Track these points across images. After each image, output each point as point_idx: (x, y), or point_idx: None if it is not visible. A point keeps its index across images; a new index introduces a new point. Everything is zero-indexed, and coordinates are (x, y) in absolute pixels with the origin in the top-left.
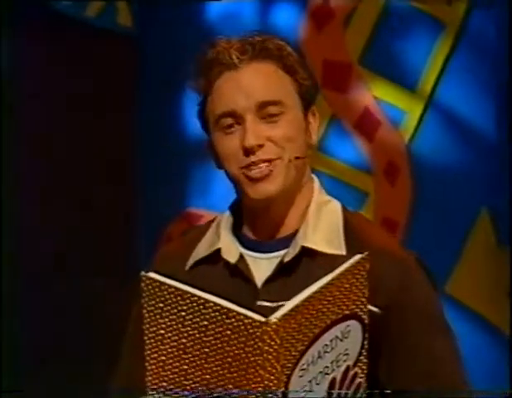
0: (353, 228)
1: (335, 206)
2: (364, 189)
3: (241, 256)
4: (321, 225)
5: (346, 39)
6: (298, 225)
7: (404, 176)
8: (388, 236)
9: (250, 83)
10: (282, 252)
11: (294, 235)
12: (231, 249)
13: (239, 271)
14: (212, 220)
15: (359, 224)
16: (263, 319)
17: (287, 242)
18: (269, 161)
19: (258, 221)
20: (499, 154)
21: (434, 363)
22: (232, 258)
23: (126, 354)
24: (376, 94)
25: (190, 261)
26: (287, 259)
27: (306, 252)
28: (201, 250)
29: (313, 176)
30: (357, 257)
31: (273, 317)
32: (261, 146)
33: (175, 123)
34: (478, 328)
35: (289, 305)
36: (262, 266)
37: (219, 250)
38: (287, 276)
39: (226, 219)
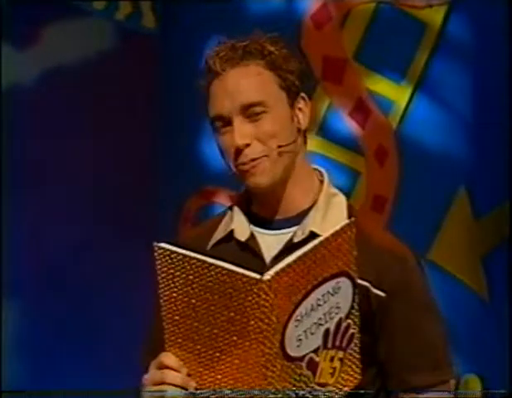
0: (357, 223)
1: (342, 199)
2: (356, 169)
3: (252, 234)
4: (330, 214)
5: (343, 38)
6: (304, 205)
7: (392, 157)
8: (389, 234)
9: (234, 88)
10: (288, 230)
11: (300, 215)
12: (242, 229)
13: (250, 248)
14: (230, 206)
15: (364, 220)
16: (258, 277)
17: (293, 221)
18: (256, 159)
19: (266, 202)
20: (475, 138)
21: (428, 344)
22: (243, 236)
23: (153, 316)
24: (368, 86)
25: (211, 243)
26: (296, 240)
27: (314, 236)
28: (218, 233)
29: (322, 169)
30: (344, 223)
31: (267, 275)
32: (248, 145)
33: (193, 110)
34: (456, 289)
35: (282, 264)
36: (270, 243)
37: (232, 231)
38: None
39: (239, 201)
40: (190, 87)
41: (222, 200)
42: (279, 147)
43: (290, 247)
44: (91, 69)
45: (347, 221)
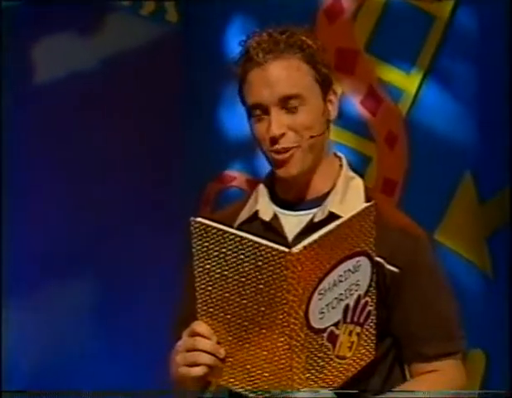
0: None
1: (359, 182)
2: (368, 154)
3: (275, 215)
4: (348, 196)
5: (355, 30)
6: (324, 189)
7: (402, 143)
8: (402, 214)
9: (274, 79)
10: (309, 211)
11: (320, 198)
12: (266, 210)
13: (273, 227)
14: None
15: (379, 201)
16: (286, 250)
17: (314, 203)
18: (290, 149)
19: (289, 186)
20: (480, 126)
21: (440, 317)
22: (267, 217)
23: (184, 288)
24: (379, 76)
25: (237, 222)
26: (316, 220)
27: (333, 216)
28: (244, 213)
29: (341, 155)
30: (364, 206)
31: (295, 248)
32: (283, 134)
33: (215, 100)
34: (462, 267)
35: (309, 239)
36: (292, 223)
37: (257, 212)
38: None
39: (263, 185)
40: (212, 78)
41: (240, 184)
42: (311, 137)
43: (311, 227)
44: (124, 61)
45: (369, 204)
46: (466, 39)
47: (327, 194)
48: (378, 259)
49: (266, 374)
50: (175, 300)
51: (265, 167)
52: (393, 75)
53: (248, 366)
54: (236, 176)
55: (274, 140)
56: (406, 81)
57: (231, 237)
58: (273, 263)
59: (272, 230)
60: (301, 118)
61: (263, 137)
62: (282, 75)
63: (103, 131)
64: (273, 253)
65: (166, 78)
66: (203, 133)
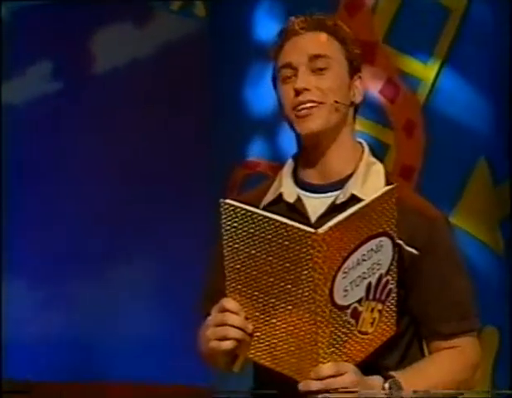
0: None
1: (380, 167)
2: (386, 142)
3: (298, 197)
4: (369, 180)
5: (373, 23)
6: (346, 173)
7: (419, 131)
8: (421, 198)
9: (305, 43)
10: (331, 194)
11: (342, 181)
12: (290, 192)
13: (297, 209)
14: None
15: (399, 185)
16: (312, 230)
17: (336, 186)
18: (313, 102)
19: (312, 168)
20: (495, 113)
21: (456, 296)
22: (291, 198)
23: (212, 267)
24: (398, 66)
25: (262, 204)
26: (338, 202)
27: (354, 199)
28: (269, 196)
29: (363, 142)
30: (386, 188)
31: (321, 229)
32: (308, 90)
33: (240, 91)
34: (476, 248)
35: (334, 221)
36: (315, 205)
37: (281, 194)
38: (336, 215)
39: (287, 168)
40: (238, 68)
41: (264, 170)
42: (336, 102)
43: (333, 208)
44: (159, 55)
45: (391, 186)
46: (481, 30)
47: (349, 177)
48: (397, 240)
49: (292, 348)
50: (203, 278)
51: (287, 153)
52: (412, 66)
53: (275, 341)
54: (261, 162)
55: (298, 93)
56: (424, 71)
57: (259, 218)
58: (300, 243)
59: (296, 211)
60: (327, 81)
61: (289, 95)
62: (313, 40)
63: (138, 118)
64: (300, 233)
65: (194, 70)
66: (230, 118)
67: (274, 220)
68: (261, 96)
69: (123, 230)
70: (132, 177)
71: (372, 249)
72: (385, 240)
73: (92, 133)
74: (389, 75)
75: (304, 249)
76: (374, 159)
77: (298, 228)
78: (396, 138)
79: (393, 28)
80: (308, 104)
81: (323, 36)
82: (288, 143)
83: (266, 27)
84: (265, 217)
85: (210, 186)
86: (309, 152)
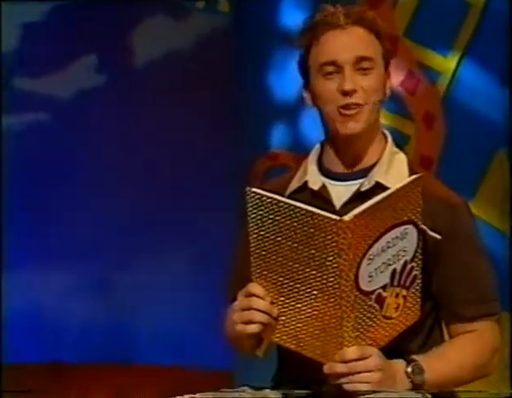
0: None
1: (403, 157)
2: (406, 133)
3: (323, 185)
4: (393, 168)
5: (394, 17)
6: (370, 162)
7: (439, 122)
8: (443, 185)
9: (351, 41)
10: (355, 181)
11: (366, 169)
12: (315, 180)
13: (322, 196)
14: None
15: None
16: (338, 218)
17: (360, 175)
18: (359, 105)
19: (337, 157)
20: None
21: (477, 280)
22: (316, 186)
23: (238, 253)
24: (418, 59)
25: (287, 192)
26: (363, 189)
27: (379, 186)
28: (294, 183)
29: (387, 132)
30: (412, 177)
31: (346, 217)
32: (355, 91)
33: (262, 84)
34: (492, 236)
35: (359, 209)
36: (340, 192)
37: (306, 182)
38: (361, 202)
39: (312, 157)
40: (262, 61)
41: (286, 161)
42: (378, 101)
43: (358, 195)
44: (191, 49)
45: (417, 175)
46: (500, 24)
47: (373, 166)
48: (421, 226)
49: (317, 332)
50: (229, 264)
51: (310, 140)
52: (432, 59)
53: (300, 325)
54: (283, 154)
55: (346, 94)
56: (443, 64)
57: (285, 206)
58: (325, 230)
59: (321, 198)
60: (371, 81)
61: (332, 94)
62: (358, 38)
63: (170, 106)
64: (325, 221)
65: (221, 65)
66: (255, 107)
67: (300, 208)
68: (285, 84)
69: (152, 220)
70: (162, 168)
71: (397, 237)
72: (410, 228)
73: (130, 124)
74: (410, 68)
75: (329, 237)
76: (397, 149)
77: (324, 216)
78: (416, 130)
79: (414, 22)
80: (353, 106)
81: (365, 35)
82: (310, 129)
83: (290, 15)
84: (291, 205)
85: (235, 176)
86: (337, 143)
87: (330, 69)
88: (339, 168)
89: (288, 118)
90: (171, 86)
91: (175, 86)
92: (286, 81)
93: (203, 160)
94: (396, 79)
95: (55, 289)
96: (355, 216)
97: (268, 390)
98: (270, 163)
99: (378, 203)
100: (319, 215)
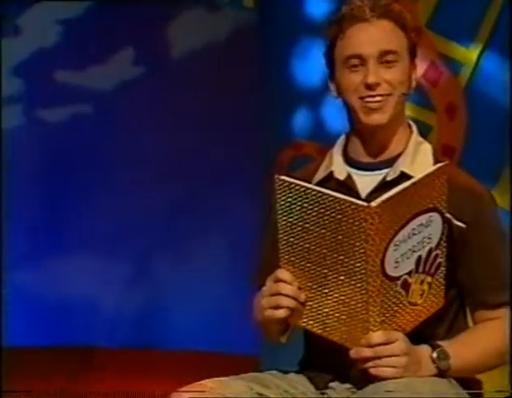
0: None
1: (428, 146)
2: (429, 123)
3: (349, 175)
4: (418, 158)
5: (417, 9)
6: (395, 152)
7: (461, 113)
8: (468, 175)
9: (376, 34)
10: (381, 171)
11: (391, 160)
12: (341, 170)
13: (347, 186)
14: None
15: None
16: (365, 204)
17: (385, 164)
18: (383, 96)
19: (362, 148)
20: None
21: (501, 268)
22: (341, 176)
23: (266, 240)
24: (440, 51)
25: (313, 182)
26: (388, 179)
27: (404, 176)
28: (320, 173)
29: (412, 122)
30: (438, 165)
31: (373, 203)
32: (378, 84)
33: (287, 75)
34: None
35: (386, 195)
36: (365, 182)
37: (332, 172)
38: (386, 191)
39: (338, 148)
40: (286, 56)
41: (310, 152)
42: (403, 94)
43: (383, 185)
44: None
45: (442, 164)
46: None
47: (398, 156)
48: (447, 215)
49: (343, 317)
50: (256, 251)
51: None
52: (454, 50)
53: (326, 310)
54: (307, 144)
55: (370, 87)
56: (466, 55)
57: (313, 193)
58: (353, 216)
59: (347, 188)
60: (396, 74)
61: (356, 86)
62: (383, 31)
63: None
64: (353, 207)
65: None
66: (278, 102)
67: (328, 194)
68: (309, 73)
69: (182, 208)
70: (193, 157)
71: (422, 224)
72: (435, 216)
73: (166, 114)
74: (432, 60)
75: (357, 222)
76: (422, 139)
77: (351, 202)
78: (438, 120)
79: (436, 14)
80: (377, 98)
81: (391, 28)
82: (334, 118)
83: (315, 5)
84: (319, 192)
85: (261, 165)
86: (362, 134)
87: (355, 62)
88: (364, 158)
89: (312, 107)
90: (203, 78)
91: (207, 78)
92: (310, 71)
93: (230, 149)
94: (419, 70)
95: (91, 275)
96: (383, 202)
97: (293, 374)
98: (294, 153)
99: (404, 190)
100: (346, 201)
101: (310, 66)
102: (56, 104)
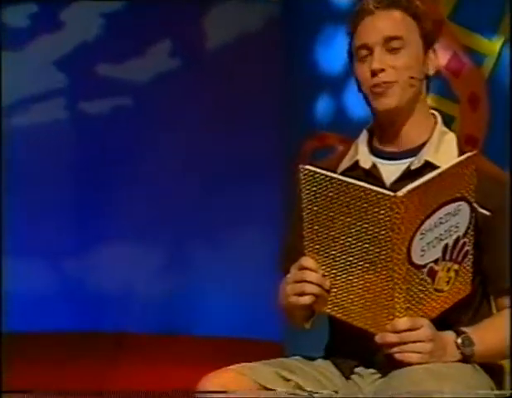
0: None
1: (453, 136)
2: (451, 114)
3: (374, 164)
4: (442, 147)
5: (439, 1)
6: (419, 141)
7: (484, 103)
8: (492, 164)
9: (380, 23)
10: (405, 161)
11: (416, 149)
12: (366, 159)
13: (373, 175)
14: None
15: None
16: (392, 193)
17: (410, 154)
18: (388, 82)
19: (387, 137)
20: None
21: None
22: (367, 165)
23: (290, 228)
24: (463, 43)
25: (338, 171)
26: (413, 167)
27: (428, 165)
28: (345, 163)
29: (436, 112)
30: (466, 155)
31: (400, 192)
32: (383, 70)
33: (311, 64)
34: None
35: (413, 184)
36: (390, 171)
37: (357, 161)
38: (410, 180)
39: (362, 138)
40: (311, 44)
41: (333, 143)
42: (411, 78)
43: (407, 174)
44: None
45: (470, 153)
46: None
47: (422, 145)
48: (474, 204)
49: (368, 303)
50: (282, 239)
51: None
52: (477, 42)
53: (352, 296)
54: (330, 135)
55: (374, 73)
56: (488, 47)
57: (338, 182)
58: (379, 205)
59: (372, 177)
60: (402, 59)
61: (365, 75)
62: (388, 20)
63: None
64: (379, 196)
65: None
66: (301, 94)
67: (353, 183)
68: (333, 59)
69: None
70: (221, 147)
71: (449, 213)
72: (463, 205)
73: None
74: (455, 51)
75: (383, 211)
76: (446, 129)
77: (377, 191)
78: (461, 111)
79: (459, 6)
80: (383, 84)
81: (397, 16)
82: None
83: None
84: (344, 181)
85: (285, 156)
86: (385, 123)
87: (364, 52)
88: (388, 148)
89: (336, 95)
90: (236, 70)
91: (239, 69)
92: (334, 59)
93: (257, 140)
94: (441, 61)
95: (125, 262)
96: (409, 192)
97: (319, 360)
98: (317, 144)
99: (431, 180)
100: (372, 190)
101: (334, 55)
102: (97, 96)
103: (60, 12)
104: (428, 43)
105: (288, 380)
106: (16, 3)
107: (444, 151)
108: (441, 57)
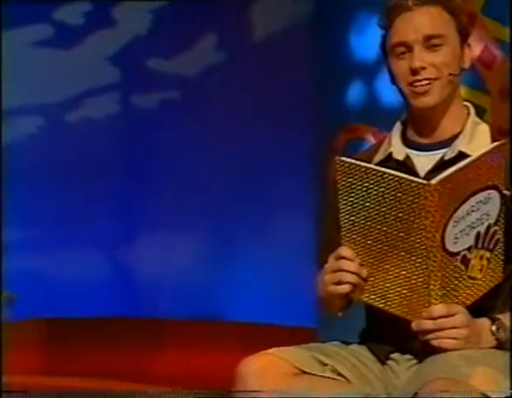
0: None
1: (486, 127)
2: (483, 106)
3: (407, 155)
4: (476, 138)
5: None
6: (452, 132)
7: None
8: None
9: (419, 21)
10: (438, 151)
11: (449, 140)
12: (400, 151)
13: (407, 166)
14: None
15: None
16: (425, 182)
17: (443, 145)
18: (429, 79)
19: (420, 129)
20: None
21: None
22: (400, 156)
23: (328, 219)
24: (494, 35)
25: (373, 163)
26: (446, 158)
27: (462, 155)
28: (379, 155)
29: (469, 104)
30: (496, 143)
31: (433, 180)
32: (424, 68)
33: (344, 52)
34: None
35: (445, 173)
36: (423, 162)
37: (391, 153)
38: (444, 170)
39: (396, 130)
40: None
41: (365, 134)
42: (450, 74)
43: (441, 164)
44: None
45: (501, 142)
46: None
47: (456, 136)
48: (505, 191)
49: (404, 291)
50: (318, 230)
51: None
52: (508, 35)
53: (388, 285)
54: (361, 127)
55: (415, 72)
56: None
57: (373, 173)
58: (413, 194)
59: (406, 168)
60: (441, 57)
61: (404, 72)
62: (426, 17)
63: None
64: (413, 185)
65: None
66: (333, 86)
67: (388, 173)
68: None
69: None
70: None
71: (481, 201)
72: (494, 193)
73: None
74: (487, 43)
75: (417, 200)
76: (479, 120)
77: (411, 180)
78: (492, 103)
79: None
80: (424, 82)
81: (436, 12)
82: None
83: None
84: (379, 171)
85: (318, 148)
86: (417, 117)
87: (402, 49)
88: (421, 139)
89: (369, 83)
90: (280, 62)
91: (282, 62)
92: (367, 47)
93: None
94: (474, 53)
95: (160, 250)
96: (442, 180)
97: (355, 345)
98: (350, 136)
99: (463, 168)
100: (407, 179)
101: (367, 43)
102: (148, 90)
103: (112, 10)
104: (464, 38)
105: (325, 364)
106: (71, 2)
107: (477, 141)
108: (473, 49)
